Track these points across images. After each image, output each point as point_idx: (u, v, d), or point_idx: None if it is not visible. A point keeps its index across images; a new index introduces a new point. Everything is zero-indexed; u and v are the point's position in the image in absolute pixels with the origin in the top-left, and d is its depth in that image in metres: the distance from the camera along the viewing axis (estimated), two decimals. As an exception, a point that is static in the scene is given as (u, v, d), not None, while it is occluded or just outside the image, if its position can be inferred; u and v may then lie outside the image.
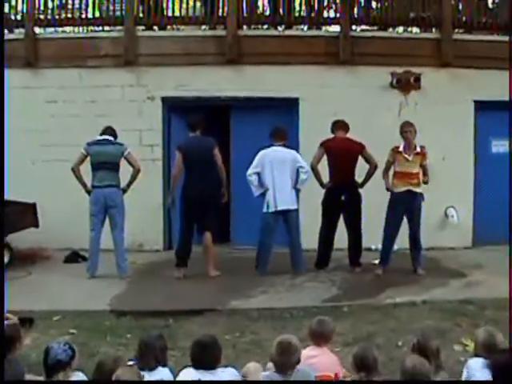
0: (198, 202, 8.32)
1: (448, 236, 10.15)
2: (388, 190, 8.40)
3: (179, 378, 4.26)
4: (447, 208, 10.27)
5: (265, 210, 8.49)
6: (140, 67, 10.40)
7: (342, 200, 8.54)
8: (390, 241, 8.50)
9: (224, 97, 10.33)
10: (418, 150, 8.32)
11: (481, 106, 10.35)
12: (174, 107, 10.63)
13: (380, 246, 8.77)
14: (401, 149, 8.34)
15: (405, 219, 8.41)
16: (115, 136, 8.60)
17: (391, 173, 8.43)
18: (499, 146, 10.64)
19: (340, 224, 8.70)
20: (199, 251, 8.54)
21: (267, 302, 7.30)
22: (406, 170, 8.28)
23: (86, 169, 8.46)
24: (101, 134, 8.55)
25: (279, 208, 8.41)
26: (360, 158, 8.63)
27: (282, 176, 8.42)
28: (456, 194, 10.21)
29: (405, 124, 8.43)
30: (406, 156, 8.29)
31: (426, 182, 8.40)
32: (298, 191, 8.70)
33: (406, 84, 10.26)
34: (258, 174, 8.49)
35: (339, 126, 8.74)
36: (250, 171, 8.47)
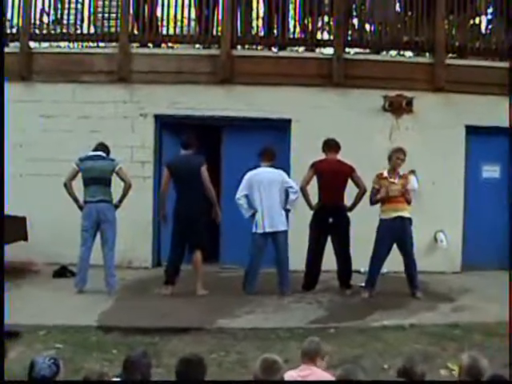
0: (185, 221, 8.36)
1: (437, 260, 10.14)
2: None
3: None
4: (437, 232, 10.26)
5: (254, 230, 8.51)
6: (133, 84, 10.45)
7: (330, 222, 8.54)
8: (378, 267, 8.54)
9: (216, 116, 10.38)
10: (402, 173, 8.43)
11: (472, 131, 10.39)
12: (166, 124, 10.66)
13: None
14: (385, 174, 8.41)
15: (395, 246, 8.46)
16: (108, 152, 8.65)
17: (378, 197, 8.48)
18: (490, 172, 10.68)
19: (329, 245, 8.72)
20: (188, 269, 8.56)
21: (253, 321, 7.30)
22: (393, 194, 8.33)
23: (78, 184, 8.48)
24: (93, 150, 8.59)
25: (267, 230, 8.43)
26: (349, 180, 8.68)
27: (270, 197, 8.43)
28: (446, 218, 10.21)
29: (398, 150, 8.47)
30: (392, 180, 8.35)
31: (408, 201, 8.41)
32: (287, 211, 8.71)
33: (398, 107, 10.30)
34: (247, 195, 8.52)
35: (330, 145, 8.76)
36: (238, 195, 8.50)
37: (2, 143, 8.69)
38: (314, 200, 8.69)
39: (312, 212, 8.71)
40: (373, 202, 8.53)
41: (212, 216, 8.67)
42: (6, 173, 8.09)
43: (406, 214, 8.36)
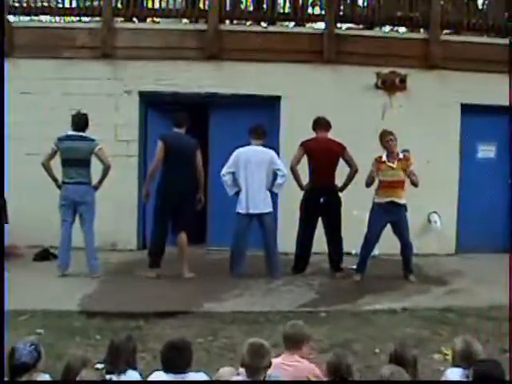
0: (174, 199, 8.32)
1: (430, 242, 10.20)
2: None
3: (148, 382, 4.25)
4: (430, 214, 10.32)
5: (237, 209, 8.51)
6: (117, 60, 10.38)
7: (320, 203, 8.56)
8: (369, 249, 8.61)
9: (203, 93, 10.34)
10: (401, 156, 8.39)
11: (468, 110, 10.39)
12: (151, 102, 10.62)
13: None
14: (384, 158, 8.39)
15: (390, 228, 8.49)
16: (86, 123, 8.47)
17: (376, 183, 8.48)
18: (486, 152, 10.74)
19: (319, 227, 8.74)
20: (173, 252, 8.55)
21: (241, 305, 7.29)
22: (390, 178, 8.32)
23: (57, 163, 8.40)
24: (72, 126, 8.42)
25: (251, 211, 8.42)
26: (341, 160, 8.68)
27: (256, 177, 8.41)
28: (440, 199, 10.27)
29: (385, 133, 8.45)
30: (390, 164, 8.34)
31: (415, 184, 8.42)
32: (274, 193, 8.72)
33: (391, 85, 10.31)
34: (233, 173, 8.49)
35: (321, 124, 8.76)
36: (223, 171, 8.48)
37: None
38: (305, 180, 8.70)
39: (302, 192, 8.73)
40: (367, 185, 8.52)
41: (196, 200, 8.62)
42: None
43: (400, 200, 8.36)
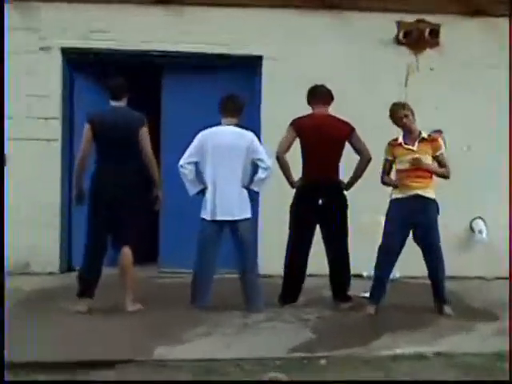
0: (110, 201, 8.28)
1: (474, 260, 10.28)
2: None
3: None
4: (473, 220, 10.45)
5: (202, 215, 8.51)
6: (30, 2, 10.32)
7: (319, 205, 8.57)
8: (386, 267, 8.57)
9: (153, 51, 10.36)
10: (425, 135, 8.43)
11: None
12: (79, 64, 10.62)
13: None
14: (400, 139, 8.46)
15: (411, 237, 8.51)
16: None
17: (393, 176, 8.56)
18: None
19: (317, 240, 8.73)
20: (113, 275, 8.51)
21: (208, 349, 7.21)
22: (411, 166, 8.35)
23: None
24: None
25: (219, 217, 8.42)
26: (347, 145, 8.68)
27: (228, 170, 8.40)
28: (486, 199, 10.36)
29: (396, 107, 8.52)
30: (410, 147, 8.39)
31: (444, 176, 8.50)
32: (252, 193, 8.68)
33: (417, 39, 10.41)
34: (196, 164, 8.49)
35: (319, 94, 8.76)
36: (183, 161, 8.45)
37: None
38: (297, 175, 8.69)
39: (294, 191, 8.74)
40: (384, 181, 8.63)
41: (150, 199, 8.60)
42: None
43: (428, 194, 8.42)
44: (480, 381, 5.80)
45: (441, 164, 8.47)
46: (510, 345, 6.06)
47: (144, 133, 8.37)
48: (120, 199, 8.28)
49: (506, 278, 10.25)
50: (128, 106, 8.52)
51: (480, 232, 10.33)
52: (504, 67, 10.40)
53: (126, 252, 8.41)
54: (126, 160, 8.27)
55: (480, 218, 10.40)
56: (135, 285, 8.54)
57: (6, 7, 9.72)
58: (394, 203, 8.51)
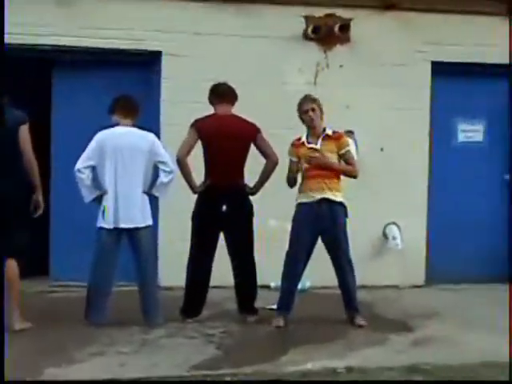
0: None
1: (387, 268, 10.39)
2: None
3: None
4: (387, 226, 10.52)
5: (100, 223, 8.41)
6: None
7: (222, 212, 8.56)
8: (294, 276, 8.63)
9: (41, 45, 10.18)
10: (330, 132, 8.49)
11: (443, 71, 10.59)
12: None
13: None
14: (303, 139, 8.52)
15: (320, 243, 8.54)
16: None
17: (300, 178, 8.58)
18: (470, 133, 11.05)
19: (221, 249, 8.70)
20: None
21: (103, 369, 7.11)
22: (309, 164, 8.41)
23: None
24: None
25: (121, 225, 8.36)
26: (253, 148, 8.70)
27: (129, 174, 8.36)
28: (401, 204, 10.44)
29: (303, 101, 8.58)
30: (312, 146, 8.45)
31: (352, 174, 8.55)
32: (152, 198, 8.66)
33: (327, 34, 10.45)
34: (94, 168, 8.38)
35: (222, 93, 8.76)
36: (80, 164, 8.32)
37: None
38: (199, 180, 8.67)
39: (196, 196, 8.72)
40: (290, 183, 8.64)
41: (32, 204, 8.42)
42: None
43: (335, 197, 8.46)
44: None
45: (347, 162, 8.53)
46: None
47: (23, 131, 8.18)
48: (1, 206, 8.10)
49: (420, 287, 10.45)
50: (12, 104, 8.27)
51: (394, 238, 10.40)
52: (420, 66, 10.54)
53: (11, 264, 8.22)
54: (3, 161, 8.09)
55: (394, 223, 10.48)
56: (22, 300, 8.35)
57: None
58: (299, 208, 8.54)
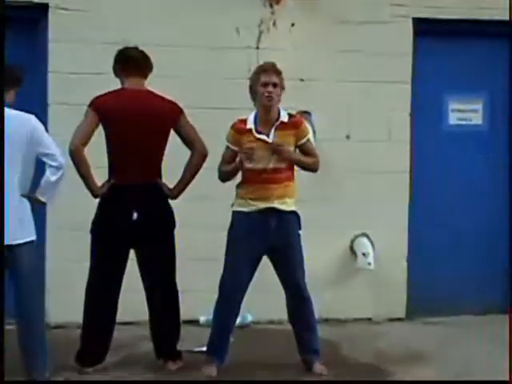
0: None
1: (357, 296, 10.17)
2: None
3: None
4: (355, 238, 10.22)
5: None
6: None
7: (133, 221, 7.99)
8: (231, 309, 8.18)
9: None
10: (285, 119, 7.95)
11: (428, 31, 10.41)
12: None
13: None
14: (250, 124, 7.95)
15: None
16: None
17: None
18: (464, 113, 10.78)
19: (134, 271, 8.12)
20: None
21: None
22: (261, 164, 7.88)
23: None
24: None
25: None
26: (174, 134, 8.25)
27: (4, 171, 7.57)
28: (373, 209, 10.17)
29: (266, 70, 8.02)
30: (262, 137, 7.90)
31: (312, 168, 8.17)
32: (36, 204, 7.87)
33: (274, -16, 10.19)
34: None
35: (131, 62, 8.23)
36: None
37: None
38: (103, 178, 8.11)
39: (97, 201, 8.15)
40: (222, 176, 8.20)
41: None
42: None
43: (285, 206, 8.01)
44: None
45: (309, 153, 8.14)
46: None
47: None
48: None
49: (400, 320, 10.29)
50: None
51: (364, 255, 9.95)
52: (398, 24, 10.25)
53: None
54: None
55: (365, 234, 10.08)
56: None
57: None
58: (237, 217, 8.06)
